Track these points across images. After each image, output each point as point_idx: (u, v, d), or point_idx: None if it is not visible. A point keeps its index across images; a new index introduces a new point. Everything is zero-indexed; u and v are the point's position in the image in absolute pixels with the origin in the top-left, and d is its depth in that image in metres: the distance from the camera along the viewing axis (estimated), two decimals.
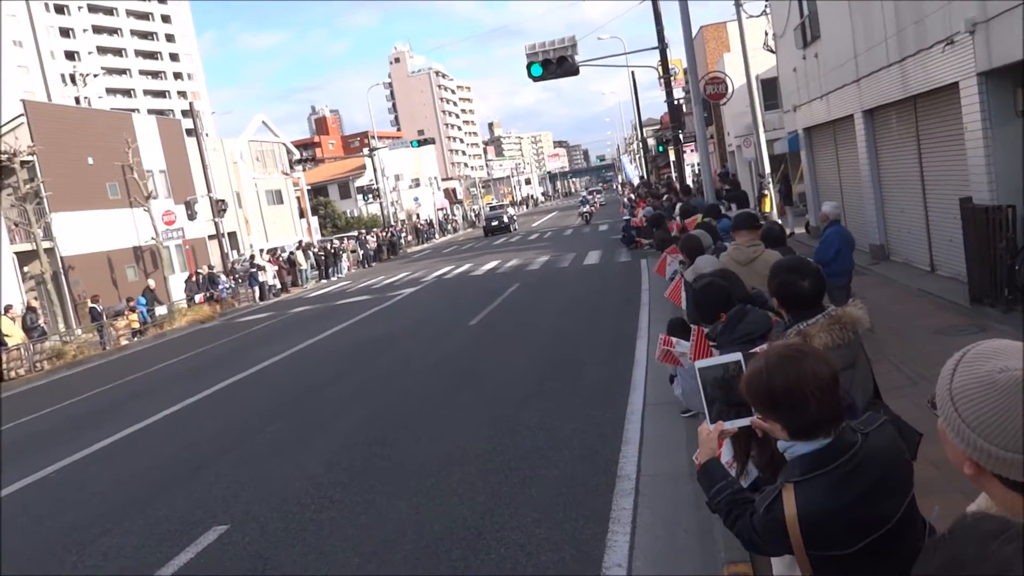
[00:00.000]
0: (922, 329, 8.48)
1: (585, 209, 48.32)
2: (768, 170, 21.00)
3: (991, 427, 1.14)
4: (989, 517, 1.05)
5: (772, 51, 20.14)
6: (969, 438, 1.17)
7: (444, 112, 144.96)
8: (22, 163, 24.79)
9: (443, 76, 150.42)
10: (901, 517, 1.90)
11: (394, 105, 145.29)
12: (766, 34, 20.77)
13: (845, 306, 2.96)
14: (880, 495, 1.89)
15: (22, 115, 27.22)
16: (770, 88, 23.40)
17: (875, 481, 1.89)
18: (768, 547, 2.13)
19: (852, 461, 1.90)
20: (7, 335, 19.52)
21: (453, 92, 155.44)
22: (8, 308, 20.81)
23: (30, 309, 21.47)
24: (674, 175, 28.71)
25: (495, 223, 49.07)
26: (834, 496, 1.88)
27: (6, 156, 23.93)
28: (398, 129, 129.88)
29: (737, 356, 2.39)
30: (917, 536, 1.98)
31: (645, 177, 47.83)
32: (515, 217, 56.53)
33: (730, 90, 21.55)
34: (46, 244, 25.36)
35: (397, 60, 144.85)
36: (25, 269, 26.10)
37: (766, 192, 20.85)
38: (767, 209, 20.57)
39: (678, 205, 15.11)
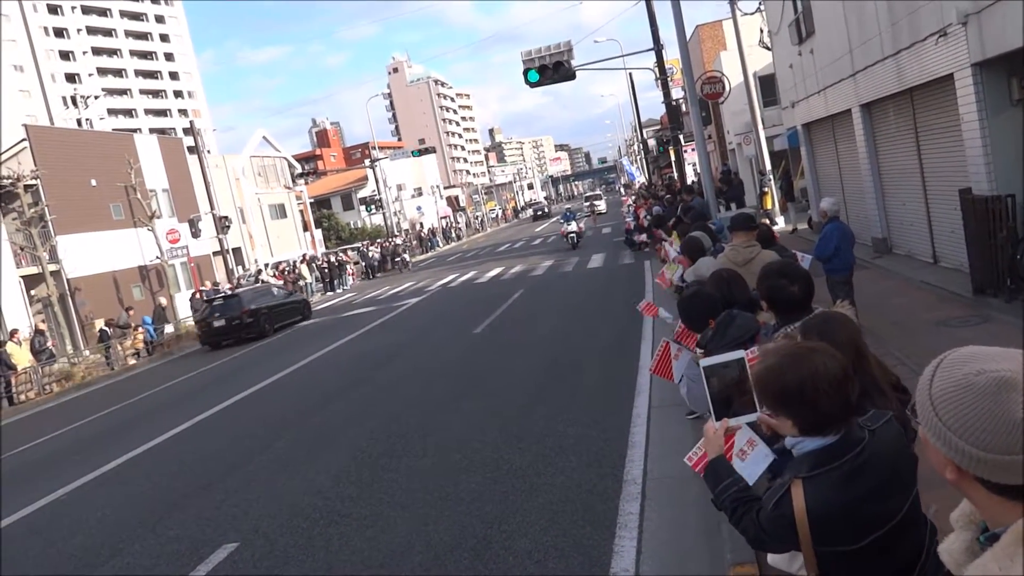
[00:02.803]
0: (925, 321, 8.46)
1: (571, 229, 31.33)
2: (769, 167, 21.00)
3: (972, 429, 1.15)
4: None
5: (768, 48, 20.15)
6: (951, 441, 1.18)
7: (444, 120, 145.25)
8: (26, 187, 24.98)
9: (442, 84, 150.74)
10: (906, 513, 1.93)
11: (394, 115, 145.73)
12: (761, 31, 20.80)
13: (832, 307, 2.98)
14: (887, 491, 1.91)
15: (24, 140, 27.43)
16: (768, 84, 23.38)
17: (882, 477, 1.91)
18: (775, 543, 2.14)
19: (860, 457, 1.92)
20: (14, 360, 19.61)
21: (452, 100, 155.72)
22: (13, 333, 20.91)
23: (38, 332, 21.58)
24: (675, 175, 28.66)
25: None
26: (842, 492, 1.90)
27: (9, 181, 24.12)
28: (399, 139, 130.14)
29: (741, 354, 2.41)
30: (921, 532, 1.99)
31: (647, 178, 47.57)
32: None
33: (727, 89, 21.59)
34: (52, 267, 25.52)
35: (396, 70, 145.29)
36: (32, 292, 26.25)
37: (767, 189, 20.85)
38: (768, 206, 20.58)
39: (680, 206, 15.13)
